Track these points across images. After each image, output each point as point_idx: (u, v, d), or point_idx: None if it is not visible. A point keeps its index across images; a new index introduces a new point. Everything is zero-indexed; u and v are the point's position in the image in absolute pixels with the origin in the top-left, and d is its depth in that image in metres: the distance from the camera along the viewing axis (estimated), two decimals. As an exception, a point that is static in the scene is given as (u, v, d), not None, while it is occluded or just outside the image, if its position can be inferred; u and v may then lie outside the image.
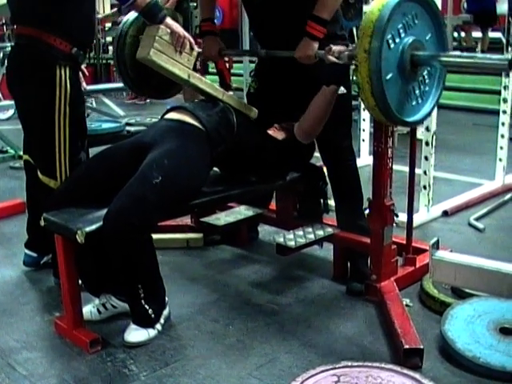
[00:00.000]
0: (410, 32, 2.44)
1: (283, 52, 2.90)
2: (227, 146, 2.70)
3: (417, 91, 2.55)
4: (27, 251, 3.24)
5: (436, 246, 2.32)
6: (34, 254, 3.23)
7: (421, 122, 2.67)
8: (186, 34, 2.76)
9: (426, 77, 2.58)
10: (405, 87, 2.48)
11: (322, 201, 3.11)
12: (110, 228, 2.35)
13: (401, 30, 2.41)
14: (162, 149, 2.52)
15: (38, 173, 2.86)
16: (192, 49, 2.80)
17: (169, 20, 2.72)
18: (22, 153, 3.53)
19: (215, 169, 2.86)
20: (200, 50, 2.87)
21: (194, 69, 3.30)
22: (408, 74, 2.46)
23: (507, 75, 4.44)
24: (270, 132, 2.95)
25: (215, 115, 2.72)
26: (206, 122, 2.66)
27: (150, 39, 2.67)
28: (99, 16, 10.12)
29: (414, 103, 2.55)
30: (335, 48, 2.57)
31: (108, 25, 11.31)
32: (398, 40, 2.40)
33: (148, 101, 8.97)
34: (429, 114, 2.67)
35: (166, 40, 2.69)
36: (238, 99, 2.95)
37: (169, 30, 2.70)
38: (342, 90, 2.84)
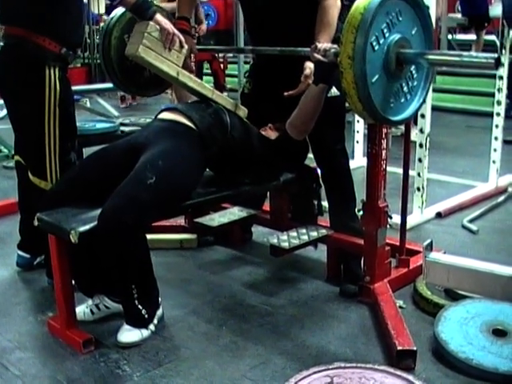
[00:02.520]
0: (394, 30, 2.37)
1: (269, 49, 2.90)
2: (220, 147, 2.69)
3: (405, 88, 2.49)
4: (20, 252, 3.23)
5: (429, 247, 2.32)
6: (27, 255, 3.22)
7: (410, 118, 2.63)
8: (176, 31, 2.74)
9: (413, 72, 2.52)
10: (392, 86, 2.43)
11: (315, 203, 3.11)
12: (104, 227, 2.35)
13: (385, 30, 2.34)
14: (155, 149, 2.52)
15: (29, 173, 2.86)
16: (182, 46, 2.78)
17: (158, 16, 2.69)
18: (14, 153, 3.52)
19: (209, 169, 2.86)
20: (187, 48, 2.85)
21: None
22: (394, 73, 2.40)
23: (501, 78, 4.47)
24: (264, 132, 2.95)
25: (208, 116, 2.72)
26: (198, 122, 2.65)
27: (138, 36, 2.65)
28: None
29: (402, 100, 2.50)
30: (321, 46, 2.55)
31: (102, 24, 11.30)
32: (382, 41, 2.34)
33: (135, 103, 8.96)
34: (418, 110, 2.62)
35: (155, 37, 2.67)
36: (228, 98, 2.94)
37: (158, 27, 2.68)
38: (335, 92, 2.84)
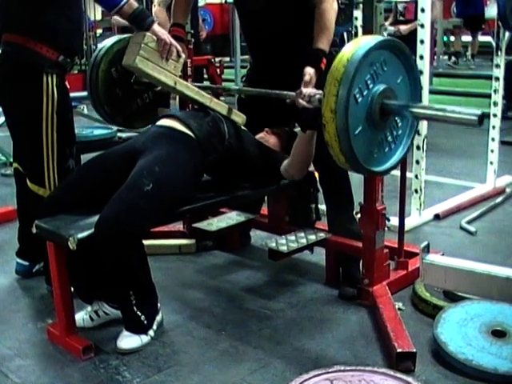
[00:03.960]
0: (378, 80, 2.29)
1: (254, 90, 2.92)
2: (218, 155, 2.69)
3: (389, 137, 2.41)
4: (19, 260, 3.22)
5: (427, 249, 2.32)
6: (26, 263, 3.21)
7: (395, 168, 2.51)
8: (173, 41, 2.75)
9: (398, 120, 2.43)
10: (376, 137, 2.36)
11: (313, 206, 3.11)
12: (102, 235, 2.35)
13: (369, 81, 2.26)
14: (152, 155, 2.53)
15: (27, 181, 2.86)
16: (179, 56, 2.80)
17: (156, 27, 2.71)
18: (12, 160, 3.52)
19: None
20: (184, 56, 2.86)
21: (186, 75, 3.33)
22: (378, 124, 2.32)
23: (497, 79, 4.47)
24: (261, 135, 2.95)
25: (206, 124, 2.72)
26: (196, 130, 2.65)
27: (135, 46, 2.67)
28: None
29: (386, 150, 2.43)
30: (306, 91, 2.50)
31: (99, 31, 11.31)
32: (365, 92, 2.25)
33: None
34: (402, 158, 2.52)
35: (153, 47, 2.69)
36: (226, 105, 2.95)
37: (155, 38, 2.69)
38: None
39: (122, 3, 2.65)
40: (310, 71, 2.73)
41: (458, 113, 2.17)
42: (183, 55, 2.82)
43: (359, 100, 2.24)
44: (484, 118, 2.12)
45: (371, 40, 2.28)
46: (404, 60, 2.40)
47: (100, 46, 3.09)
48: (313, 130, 2.57)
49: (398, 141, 2.47)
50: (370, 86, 2.27)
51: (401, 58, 2.39)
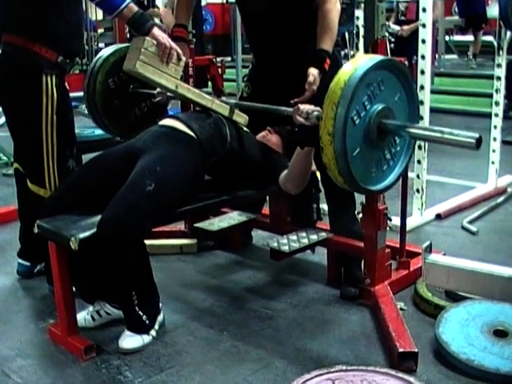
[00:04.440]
0: (376, 100, 2.26)
1: (255, 105, 2.90)
2: (219, 157, 2.69)
3: (387, 155, 2.40)
4: (20, 260, 3.22)
5: (429, 249, 2.32)
6: (27, 263, 3.21)
7: (393, 185, 2.48)
8: (173, 45, 2.75)
9: (396, 138, 2.42)
10: (374, 155, 2.35)
11: (314, 206, 3.10)
12: (104, 236, 2.35)
13: (366, 102, 2.23)
14: (153, 155, 2.52)
15: (28, 181, 2.86)
16: (179, 59, 2.80)
17: (156, 30, 2.71)
18: (13, 161, 3.52)
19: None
20: (184, 59, 2.86)
21: (187, 77, 3.33)
22: (376, 142, 2.30)
23: (499, 79, 4.47)
24: (263, 134, 2.94)
25: (208, 126, 2.71)
26: (198, 132, 2.65)
27: (136, 52, 2.67)
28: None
29: (385, 168, 2.41)
30: (303, 108, 2.46)
31: (100, 31, 11.30)
32: (363, 113, 2.23)
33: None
34: (400, 175, 2.51)
35: (153, 51, 2.69)
36: (228, 106, 2.94)
37: (155, 42, 2.69)
38: None
39: (122, 7, 2.65)
40: (313, 72, 2.73)
41: (456, 135, 2.15)
42: (184, 58, 2.82)
43: (357, 122, 2.21)
44: (481, 141, 2.11)
45: (369, 61, 2.24)
46: (402, 77, 2.37)
47: (96, 57, 3.10)
48: (311, 147, 2.53)
49: (396, 158, 2.45)
50: (368, 106, 2.24)
51: (398, 76, 2.36)
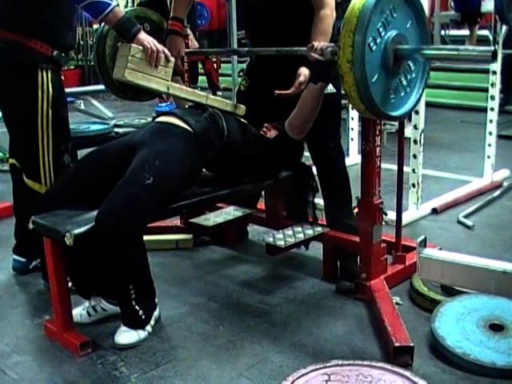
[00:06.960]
0: (389, 27, 2.39)
1: (265, 49, 2.92)
2: (217, 151, 2.69)
3: (404, 82, 2.53)
4: (15, 256, 3.22)
5: (423, 243, 2.33)
6: (23, 259, 3.21)
7: (412, 111, 2.69)
8: (160, 47, 2.73)
9: (411, 64, 2.55)
10: (391, 82, 2.46)
11: (310, 200, 3.11)
12: (102, 229, 2.34)
13: (381, 29, 2.36)
14: (151, 149, 2.52)
15: (24, 176, 2.86)
16: (168, 61, 2.79)
17: (141, 35, 2.69)
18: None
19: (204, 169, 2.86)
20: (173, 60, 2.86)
21: (183, 76, 3.32)
22: (393, 70, 2.43)
23: (494, 73, 4.47)
24: (261, 132, 2.94)
25: (204, 120, 2.72)
26: (195, 126, 2.66)
27: (123, 59, 2.68)
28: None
29: (402, 94, 2.54)
30: (317, 45, 2.56)
31: (96, 26, 11.29)
32: (379, 40, 2.36)
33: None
34: (418, 102, 2.65)
35: (140, 57, 2.69)
36: (223, 99, 2.94)
37: (141, 48, 2.69)
38: (332, 89, 2.85)
39: (107, 11, 2.62)
40: (304, 72, 2.75)
41: (472, 50, 2.25)
42: (172, 59, 2.82)
43: (373, 48, 2.34)
44: (497, 54, 2.20)
45: None
46: (412, 5, 2.48)
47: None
48: (324, 83, 2.64)
49: (413, 84, 2.58)
50: (382, 33, 2.37)
51: (408, 3, 2.47)
